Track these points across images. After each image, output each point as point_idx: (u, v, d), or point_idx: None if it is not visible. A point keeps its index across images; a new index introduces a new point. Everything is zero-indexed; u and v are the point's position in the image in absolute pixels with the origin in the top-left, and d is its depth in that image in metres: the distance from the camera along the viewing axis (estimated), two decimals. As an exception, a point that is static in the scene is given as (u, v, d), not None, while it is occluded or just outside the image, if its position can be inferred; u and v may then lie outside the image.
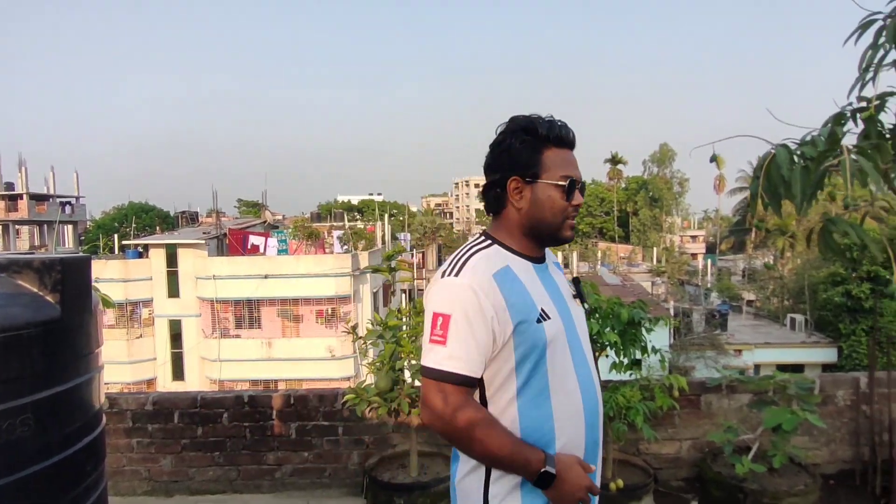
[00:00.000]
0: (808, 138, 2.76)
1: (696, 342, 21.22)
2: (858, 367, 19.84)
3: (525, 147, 1.26)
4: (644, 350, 3.07)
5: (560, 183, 1.25)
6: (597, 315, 3.05)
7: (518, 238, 1.30)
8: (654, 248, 43.14)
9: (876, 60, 2.65)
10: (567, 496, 1.18)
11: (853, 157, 2.05)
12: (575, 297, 1.37)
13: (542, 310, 1.22)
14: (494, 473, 1.22)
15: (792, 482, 2.91)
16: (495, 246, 1.28)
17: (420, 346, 3.08)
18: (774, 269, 29.19)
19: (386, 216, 25.22)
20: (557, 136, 1.27)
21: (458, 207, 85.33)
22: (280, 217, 30.81)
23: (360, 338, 2.98)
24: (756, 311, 29.58)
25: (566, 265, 39.68)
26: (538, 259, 1.32)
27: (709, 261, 42.43)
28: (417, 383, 3.08)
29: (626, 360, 3.06)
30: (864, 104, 2.82)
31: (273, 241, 21.21)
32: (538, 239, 1.31)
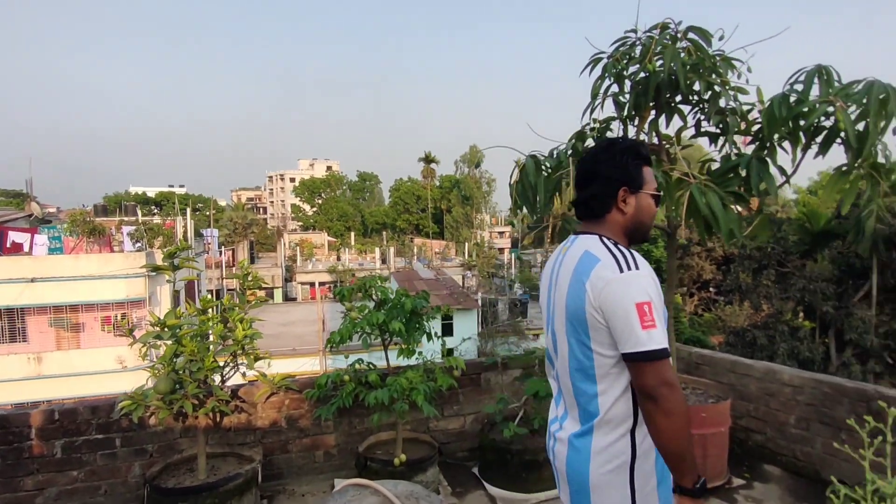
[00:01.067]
0: (555, 152, 3.28)
1: (500, 329, 23.23)
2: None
3: (632, 164, 1.53)
4: (428, 336, 3.35)
5: (656, 193, 1.56)
6: (386, 306, 3.27)
7: (621, 237, 1.55)
8: (466, 244, 46.11)
9: (602, 90, 3.25)
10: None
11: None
12: None
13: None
14: (638, 473, 1.44)
15: (549, 440, 3.44)
16: (620, 246, 1.49)
17: (209, 345, 2.99)
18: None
19: (188, 210, 23.09)
20: (648, 156, 1.57)
21: (272, 202, 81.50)
22: (52, 210, 26.37)
23: (137, 340, 2.79)
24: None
25: (383, 260, 40.59)
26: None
27: (513, 255, 46.76)
28: (218, 383, 2.98)
29: (412, 346, 3.32)
30: (596, 125, 3.44)
31: (42, 239, 18.10)
32: (632, 238, 1.57)
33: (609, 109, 3.33)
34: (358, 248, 47.24)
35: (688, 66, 2.79)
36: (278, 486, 3.38)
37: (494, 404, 3.55)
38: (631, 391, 1.45)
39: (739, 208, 3.06)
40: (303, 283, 38.29)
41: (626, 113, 3.23)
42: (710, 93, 3.04)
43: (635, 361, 1.38)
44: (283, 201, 76.70)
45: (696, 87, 2.95)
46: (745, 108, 2.98)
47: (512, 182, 2.99)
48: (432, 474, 3.24)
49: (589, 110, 3.13)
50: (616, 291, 1.39)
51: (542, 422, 3.36)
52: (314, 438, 3.51)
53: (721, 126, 3.05)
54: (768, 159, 2.92)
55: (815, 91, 2.67)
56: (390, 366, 3.39)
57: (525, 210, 3.00)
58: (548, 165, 2.93)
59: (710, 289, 23.18)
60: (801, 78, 2.64)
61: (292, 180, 74.62)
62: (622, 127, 3.32)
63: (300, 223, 64.31)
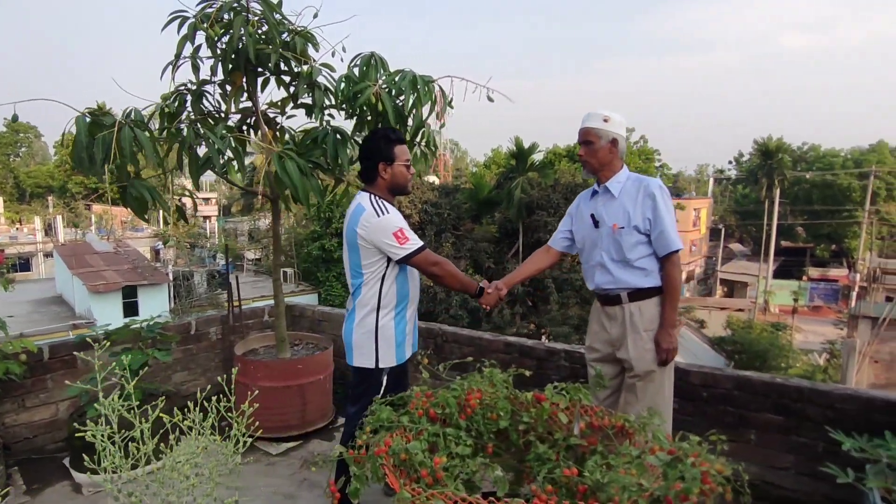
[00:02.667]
0: (133, 111, 3.04)
1: (197, 303, 21.54)
2: (334, 307, 24.50)
3: (385, 145, 2.42)
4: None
5: (406, 163, 2.46)
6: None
7: (385, 194, 2.45)
8: (160, 211, 40.97)
9: (190, 51, 3.13)
10: (488, 299, 2.69)
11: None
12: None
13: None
14: (380, 337, 2.43)
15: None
16: (381, 199, 2.41)
17: None
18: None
19: None
20: (400, 138, 2.46)
21: None
22: None
23: None
24: (257, 268, 32.33)
25: (47, 232, 33.41)
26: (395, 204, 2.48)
27: (219, 223, 43.55)
28: None
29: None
30: (193, 86, 3.30)
31: None
32: (395, 193, 2.49)
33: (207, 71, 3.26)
34: (7, 216, 37.78)
35: (259, 38, 2.89)
36: None
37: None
38: (379, 288, 2.41)
39: (324, 178, 3.36)
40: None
41: (220, 78, 3.21)
42: (304, 67, 3.22)
43: (407, 261, 2.36)
44: None
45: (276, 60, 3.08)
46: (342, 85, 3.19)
47: (64, 142, 2.69)
48: (-4, 476, 2.81)
49: (171, 69, 3.00)
50: (377, 229, 2.33)
51: (141, 393, 3.21)
52: None
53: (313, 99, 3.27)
54: (348, 133, 3.26)
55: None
56: None
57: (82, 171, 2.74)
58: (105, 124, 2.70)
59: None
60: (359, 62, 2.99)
61: None
62: (220, 91, 3.29)
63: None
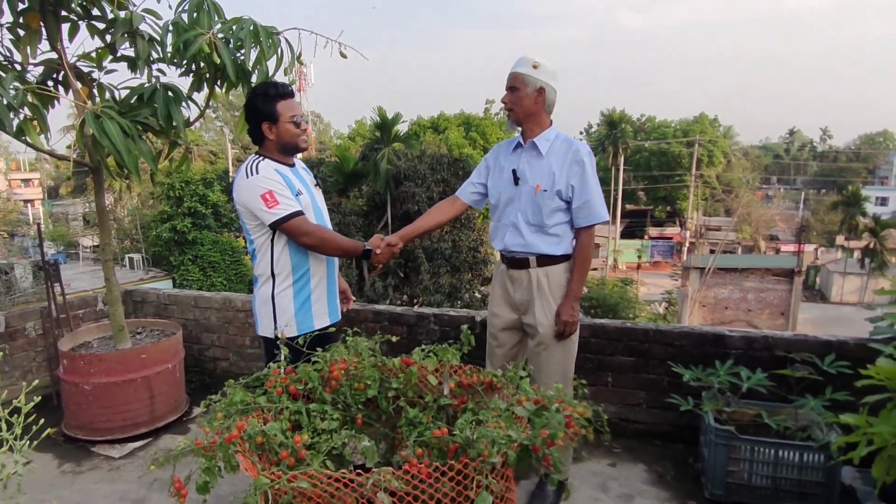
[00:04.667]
0: None
1: (21, 299, 18.80)
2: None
3: (264, 104, 2.20)
4: None
5: (293, 119, 2.22)
6: None
7: (276, 153, 2.27)
8: (-33, 197, 34.81)
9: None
10: (378, 257, 2.46)
11: None
12: (316, 185, 2.45)
13: (298, 189, 2.24)
14: (277, 305, 2.27)
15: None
16: (266, 160, 2.22)
17: None
18: (112, 212, 28.92)
19: None
20: (281, 93, 2.22)
21: None
22: None
23: None
24: (97, 255, 28.88)
25: None
26: (291, 164, 2.31)
27: (45, 207, 38.05)
28: None
29: None
30: None
31: None
32: (287, 152, 2.29)
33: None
34: None
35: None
36: None
37: None
38: (270, 256, 2.24)
39: (157, 141, 2.96)
40: None
41: (10, 20, 2.65)
42: (121, 12, 2.76)
43: (276, 228, 2.17)
44: None
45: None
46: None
47: None
48: None
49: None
50: (244, 190, 2.15)
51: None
52: None
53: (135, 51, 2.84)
54: (180, 90, 2.87)
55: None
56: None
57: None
58: None
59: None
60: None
61: None
62: (10, 38, 2.73)
63: None
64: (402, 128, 21.31)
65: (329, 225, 2.42)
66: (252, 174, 2.14)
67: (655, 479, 2.68)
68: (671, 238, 42.94)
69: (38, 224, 4.49)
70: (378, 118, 20.48)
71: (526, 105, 2.26)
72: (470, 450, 1.59)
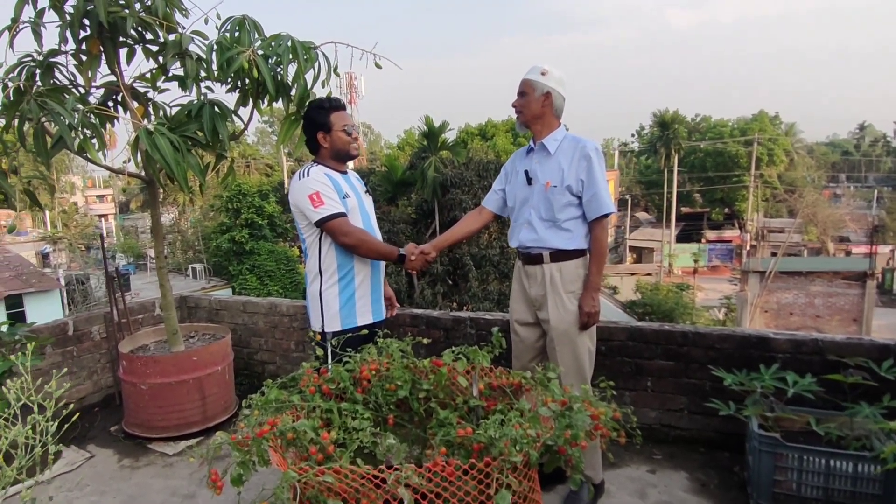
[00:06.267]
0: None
1: (96, 307, 20.03)
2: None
3: (319, 115, 2.46)
4: None
5: (344, 129, 2.46)
6: None
7: (330, 161, 2.49)
8: (47, 212, 37.50)
9: (33, 14, 2.77)
10: (412, 263, 2.54)
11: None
12: (366, 191, 2.62)
13: (346, 193, 2.44)
14: (324, 300, 2.44)
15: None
16: (319, 166, 2.46)
17: None
18: (176, 225, 30.45)
19: None
20: (334, 106, 2.48)
21: None
22: None
23: None
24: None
25: None
26: (343, 171, 2.52)
27: (118, 221, 40.50)
28: None
29: None
30: (40, 57, 2.94)
31: None
32: (340, 159, 2.50)
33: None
34: None
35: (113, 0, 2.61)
36: None
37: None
38: (318, 254, 2.42)
39: (204, 155, 3.13)
40: None
41: (73, 47, 2.87)
42: (171, 35, 2.95)
43: (321, 227, 2.37)
44: None
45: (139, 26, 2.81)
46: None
47: None
48: None
49: (9, 34, 2.65)
50: (295, 191, 2.40)
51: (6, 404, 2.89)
52: None
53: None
54: (226, 106, 3.03)
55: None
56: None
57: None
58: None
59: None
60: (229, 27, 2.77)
61: None
62: (75, 63, 2.96)
63: None
64: (449, 135, 21.48)
65: (375, 229, 2.59)
66: (304, 177, 2.39)
67: (697, 488, 2.60)
68: (730, 241, 41.21)
69: (101, 236, 4.79)
70: (425, 127, 20.72)
71: (533, 108, 2.40)
72: (492, 449, 1.60)
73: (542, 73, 2.38)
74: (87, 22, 2.73)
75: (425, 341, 2.25)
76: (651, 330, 2.90)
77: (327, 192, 2.35)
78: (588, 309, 2.36)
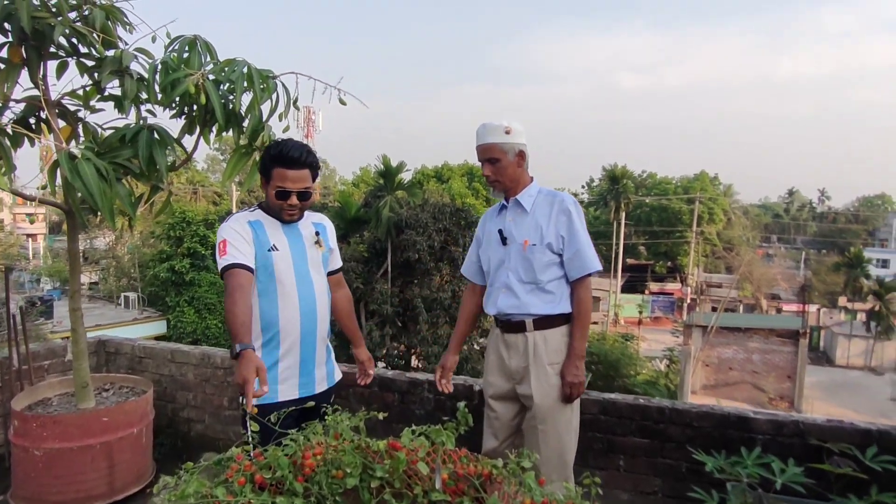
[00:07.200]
0: None
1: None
2: (184, 335, 22.21)
3: (266, 161, 2.10)
4: None
5: (277, 189, 2.06)
6: None
7: (269, 209, 2.16)
8: (-32, 230, 34.83)
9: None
10: (240, 368, 1.72)
11: None
12: (316, 242, 2.21)
13: (274, 244, 2.08)
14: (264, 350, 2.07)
15: None
16: (254, 211, 2.17)
17: None
18: (111, 251, 28.86)
19: None
20: (284, 158, 2.05)
21: None
22: None
23: None
24: (92, 292, 28.58)
25: None
26: (289, 221, 2.15)
27: (49, 242, 38.03)
28: None
29: None
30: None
31: None
32: (271, 213, 2.15)
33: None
34: None
35: (42, 4, 2.28)
36: None
37: None
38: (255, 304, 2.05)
39: (137, 184, 2.77)
40: None
41: (-8, 54, 2.50)
42: (110, 50, 2.63)
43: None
44: None
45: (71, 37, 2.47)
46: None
47: None
48: None
49: None
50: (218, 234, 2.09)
51: None
52: None
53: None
54: (168, 132, 2.70)
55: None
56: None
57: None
58: None
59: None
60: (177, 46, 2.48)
61: None
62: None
63: None
64: (406, 176, 21.44)
65: (316, 283, 2.19)
66: (226, 222, 2.12)
67: (675, 586, 2.34)
68: (672, 294, 42.60)
69: (5, 268, 4.25)
70: (382, 165, 20.62)
71: (511, 174, 2.20)
72: (463, 573, 1.30)
73: (507, 132, 2.15)
74: (8, 27, 2.38)
75: (381, 416, 1.93)
76: (626, 404, 2.68)
77: (235, 242, 2.02)
78: (571, 378, 2.13)
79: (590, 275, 2.18)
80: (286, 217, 2.12)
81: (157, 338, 22.97)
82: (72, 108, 2.90)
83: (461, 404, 1.98)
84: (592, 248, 2.20)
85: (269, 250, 2.07)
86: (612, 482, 2.65)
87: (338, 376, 2.34)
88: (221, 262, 1.99)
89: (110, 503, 2.80)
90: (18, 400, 2.85)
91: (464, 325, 2.53)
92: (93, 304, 25.66)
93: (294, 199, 2.07)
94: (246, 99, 2.56)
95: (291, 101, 2.69)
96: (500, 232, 2.26)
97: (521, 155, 2.19)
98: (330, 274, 2.31)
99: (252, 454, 1.75)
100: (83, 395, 2.86)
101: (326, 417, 1.82)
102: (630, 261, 46.79)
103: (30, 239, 45.36)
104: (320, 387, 2.20)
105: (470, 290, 2.49)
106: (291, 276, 2.09)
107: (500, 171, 2.18)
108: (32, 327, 19.46)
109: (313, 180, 2.12)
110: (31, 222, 49.29)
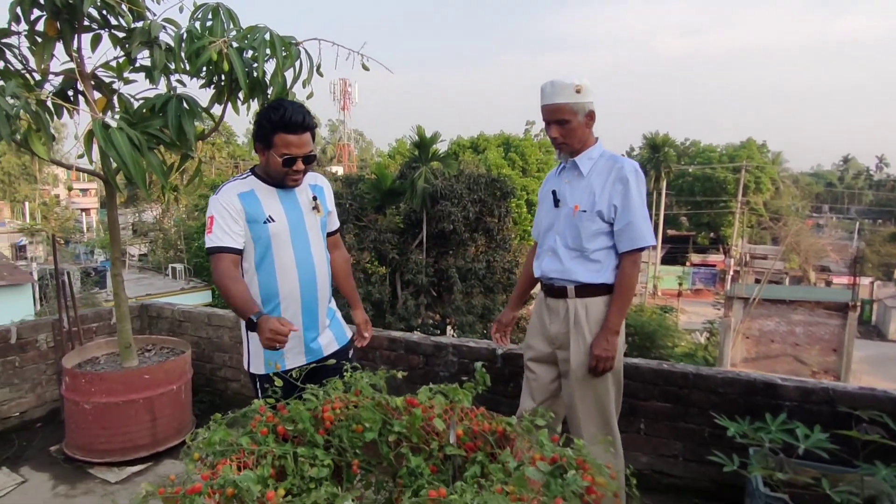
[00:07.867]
0: None
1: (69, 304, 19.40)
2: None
3: (263, 126, 1.94)
4: None
5: (284, 156, 1.93)
6: None
7: (265, 174, 2.03)
8: (27, 203, 36.75)
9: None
10: (261, 335, 1.77)
11: None
12: (314, 208, 2.11)
13: (270, 216, 2.00)
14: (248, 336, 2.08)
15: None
16: (247, 178, 2.05)
17: None
18: (159, 223, 29.90)
19: None
20: (283, 123, 1.91)
21: None
22: None
23: None
24: (143, 263, 29.81)
25: None
26: (285, 186, 2.04)
27: (101, 216, 39.70)
28: None
29: None
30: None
31: None
32: (269, 180, 2.03)
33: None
34: None
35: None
36: None
37: None
38: (247, 279, 2.02)
39: (166, 153, 2.86)
40: None
41: (26, 27, 2.60)
42: (139, 21, 2.70)
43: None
44: None
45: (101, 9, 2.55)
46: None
47: None
48: None
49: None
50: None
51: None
52: None
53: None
54: (196, 101, 2.77)
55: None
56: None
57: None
58: None
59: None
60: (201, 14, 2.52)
61: None
62: (28, 45, 2.68)
63: None
64: (441, 147, 21.33)
65: (316, 251, 2.11)
66: (217, 193, 2.00)
67: (692, 546, 2.36)
68: (714, 265, 41.46)
69: (53, 236, 4.47)
70: (417, 137, 20.55)
71: (580, 135, 2.09)
72: (470, 519, 1.35)
73: (578, 91, 2.02)
74: (41, 0, 2.47)
75: (399, 375, 1.99)
76: (649, 368, 2.67)
77: (222, 219, 1.95)
78: (599, 352, 2.06)
79: (640, 249, 2.09)
80: (290, 183, 2.01)
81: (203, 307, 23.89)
82: (107, 80, 3.00)
83: (478, 364, 2.02)
84: (648, 221, 2.10)
85: (265, 222, 1.99)
86: (631, 445, 2.66)
87: (348, 334, 2.31)
88: (207, 242, 1.95)
89: (154, 453, 2.99)
90: (69, 358, 3.05)
91: (523, 282, 2.47)
92: (142, 275, 26.81)
93: (300, 165, 1.97)
94: (270, 67, 2.60)
95: (315, 68, 2.71)
96: (554, 193, 2.19)
97: (591, 115, 2.08)
98: (328, 235, 2.23)
99: (276, 407, 1.83)
100: (127, 355, 3.03)
101: (345, 374, 1.89)
102: (671, 232, 45.67)
103: (83, 213, 47.35)
104: (328, 350, 2.19)
105: (532, 250, 2.41)
106: (289, 246, 2.04)
107: (569, 132, 2.06)
108: (88, 295, 20.52)
109: (313, 141, 2.04)
110: (69, 190, 51.09)
